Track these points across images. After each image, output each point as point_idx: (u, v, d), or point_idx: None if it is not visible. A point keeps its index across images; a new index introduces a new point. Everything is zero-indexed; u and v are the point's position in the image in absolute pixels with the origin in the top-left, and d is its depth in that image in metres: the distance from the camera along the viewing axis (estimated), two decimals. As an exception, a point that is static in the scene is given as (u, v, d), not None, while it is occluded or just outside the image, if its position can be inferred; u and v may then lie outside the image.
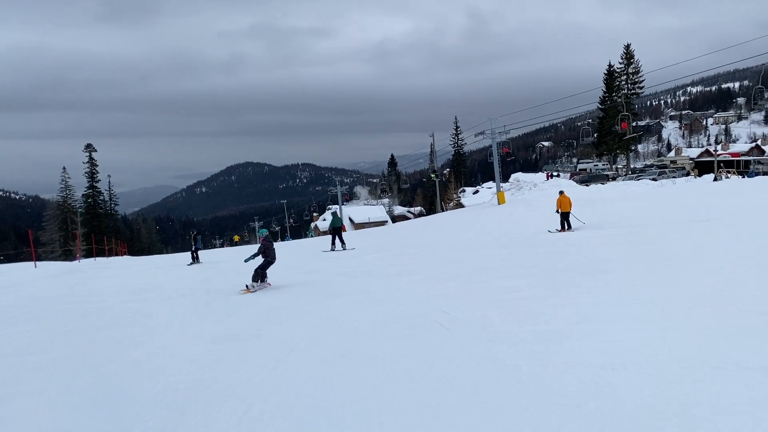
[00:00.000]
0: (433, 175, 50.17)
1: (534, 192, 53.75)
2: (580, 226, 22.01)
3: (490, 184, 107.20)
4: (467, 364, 5.99)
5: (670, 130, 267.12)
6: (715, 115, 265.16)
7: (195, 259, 26.59)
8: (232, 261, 26.07)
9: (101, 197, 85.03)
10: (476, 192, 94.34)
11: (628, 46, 68.74)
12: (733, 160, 50.24)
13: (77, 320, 11.16)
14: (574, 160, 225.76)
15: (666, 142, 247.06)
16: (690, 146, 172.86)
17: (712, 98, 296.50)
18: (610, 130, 67.65)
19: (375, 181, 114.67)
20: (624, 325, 6.92)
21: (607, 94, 69.28)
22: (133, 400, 5.79)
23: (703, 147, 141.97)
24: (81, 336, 9.46)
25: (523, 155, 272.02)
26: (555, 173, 75.81)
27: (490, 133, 46.54)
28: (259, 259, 13.71)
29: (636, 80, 68.08)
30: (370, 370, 6.10)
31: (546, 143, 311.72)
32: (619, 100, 66.51)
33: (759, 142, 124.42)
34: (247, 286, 13.39)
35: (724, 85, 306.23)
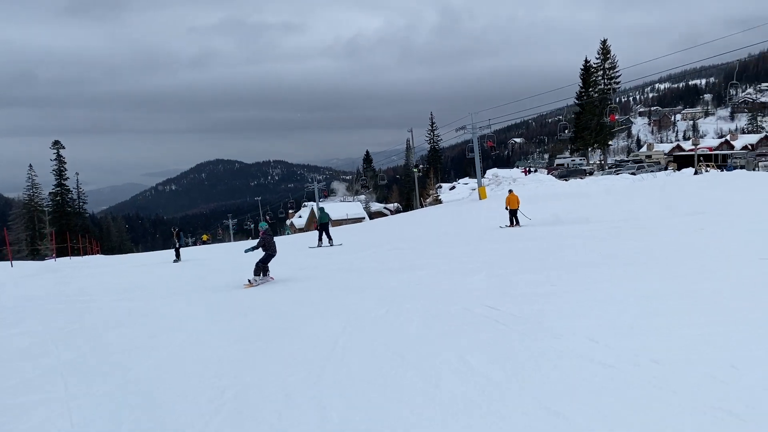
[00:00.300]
0: (415, 170, 49.71)
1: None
2: (556, 221, 22.82)
3: (467, 180, 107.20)
4: (561, 362, 5.47)
5: (639, 126, 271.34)
6: (683, 111, 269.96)
7: (178, 256, 25.94)
8: (218, 258, 25.36)
9: (69, 195, 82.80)
10: (452, 188, 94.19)
11: (604, 42, 69.22)
12: (711, 154, 50.86)
13: (75, 320, 10.45)
14: (546, 156, 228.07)
15: (636, 138, 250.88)
16: (661, 141, 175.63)
17: (680, 95, 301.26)
18: (587, 125, 68.24)
19: (348, 178, 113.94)
20: (691, 320, 6.53)
21: (583, 89, 69.75)
22: (182, 409, 5.15)
23: (672, 142, 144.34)
24: (86, 337, 8.76)
25: (494, 151, 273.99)
26: (533, 169, 76.11)
27: (471, 128, 46.40)
28: (260, 253, 13.56)
29: (612, 75, 68.47)
30: (441, 371, 5.55)
31: (518, 140, 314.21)
32: (596, 95, 67.09)
33: (728, 137, 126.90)
34: (249, 280, 13.14)
35: (691, 82, 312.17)
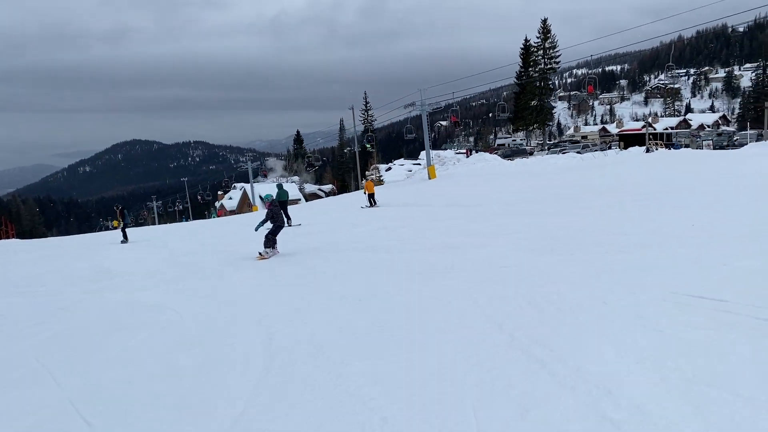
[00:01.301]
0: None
1: (460, 167, 52.74)
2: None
3: (402, 161, 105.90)
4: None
5: (559, 110, 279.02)
6: (600, 96, 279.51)
7: (125, 237, 23.44)
8: (170, 238, 22.62)
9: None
10: (389, 169, 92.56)
11: (545, 21, 69.05)
12: (657, 134, 51.50)
13: (52, 321, 7.95)
14: (471, 138, 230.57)
15: (556, 121, 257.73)
16: (586, 124, 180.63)
17: (598, 80, 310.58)
18: (527, 105, 68.00)
19: (273, 159, 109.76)
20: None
21: (523, 69, 69.45)
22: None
23: (596, 125, 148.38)
24: (86, 346, 6.36)
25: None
26: (475, 150, 75.53)
27: (421, 105, 44.68)
28: (268, 225, 13.45)
29: (552, 55, 68.59)
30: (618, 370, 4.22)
31: (444, 123, 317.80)
32: (536, 75, 66.89)
33: (650, 120, 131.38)
34: (260, 253, 13.13)
35: (608, 68, 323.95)
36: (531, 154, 58.58)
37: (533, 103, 67.21)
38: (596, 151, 48.14)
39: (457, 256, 10.44)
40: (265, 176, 78.30)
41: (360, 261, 11.30)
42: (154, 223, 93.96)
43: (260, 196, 17.74)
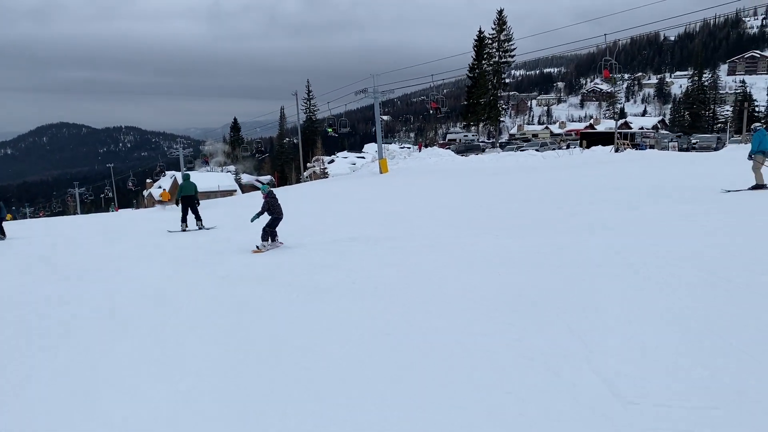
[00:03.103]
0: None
1: (411, 161, 49.41)
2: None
3: (345, 153, 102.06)
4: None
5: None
6: (538, 98, 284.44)
7: (2, 233, 18.85)
8: (58, 234, 18.16)
9: None
10: (332, 161, 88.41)
11: (501, 12, 66.11)
12: (622, 133, 49.35)
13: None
14: (412, 134, 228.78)
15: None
16: (528, 124, 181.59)
17: (536, 81, 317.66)
18: (479, 99, 65.22)
19: (211, 142, 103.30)
20: None
21: (476, 62, 66.52)
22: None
23: (540, 125, 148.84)
24: None
25: (362, 128, 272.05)
26: (425, 144, 72.31)
27: (373, 92, 40.97)
28: (266, 218, 12.76)
29: (507, 48, 65.82)
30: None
31: (385, 117, 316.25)
32: (489, 68, 64.24)
33: (592, 122, 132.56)
34: (258, 246, 12.41)
35: (546, 70, 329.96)
36: (483, 150, 55.90)
37: (484, 98, 64.50)
38: (556, 149, 45.78)
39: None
40: (207, 162, 72.29)
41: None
42: (76, 212, 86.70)
43: (257, 185, 14.16)
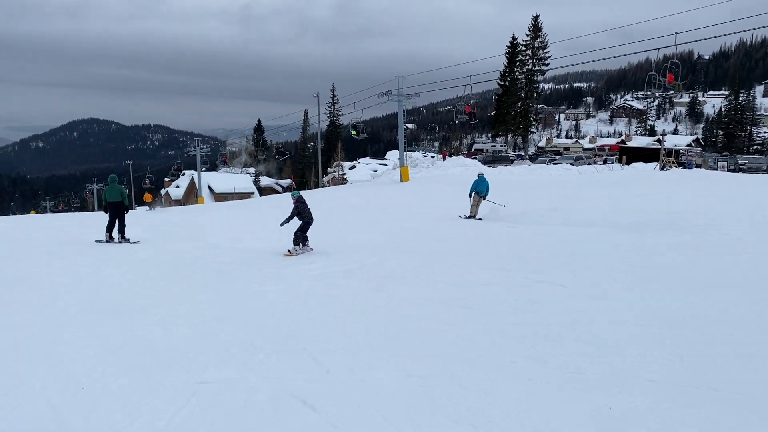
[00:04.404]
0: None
1: (435, 170, 46.62)
2: None
3: (368, 159, 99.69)
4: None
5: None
6: (566, 112, 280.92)
7: None
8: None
9: None
10: (353, 167, 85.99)
11: (536, 18, 62.71)
12: (670, 150, 45.57)
13: None
14: (436, 143, 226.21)
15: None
16: (558, 137, 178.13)
17: (564, 95, 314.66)
18: (509, 109, 62.24)
19: (236, 141, 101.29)
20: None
21: (508, 69, 63.36)
22: None
23: (569, 139, 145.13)
24: None
25: (386, 135, 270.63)
26: (450, 153, 69.32)
27: (397, 94, 38.30)
28: (296, 222, 12.91)
29: (542, 56, 62.43)
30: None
31: (410, 125, 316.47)
32: (522, 76, 61.29)
33: (623, 138, 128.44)
34: (289, 250, 12.73)
35: (575, 84, 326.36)
36: (511, 162, 52.94)
37: (515, 108, 61.20)
38: (591, 164, 42.72)
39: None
40: (225, 163, 70.00)
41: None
42: (93, 209, 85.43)
43: (290, 192, 12.65)
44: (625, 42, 32.13)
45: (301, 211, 12.92)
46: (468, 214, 18.78)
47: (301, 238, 12.87)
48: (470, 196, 18.99)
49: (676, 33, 26.36)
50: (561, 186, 26.38)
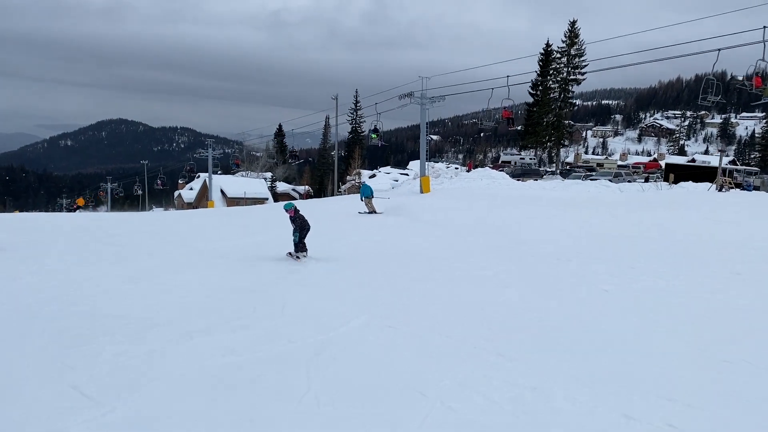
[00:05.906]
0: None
1: (458, 181, 42.98)
2: None
3: (388, 168, 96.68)
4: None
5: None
6: (594, 129, 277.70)
7: None
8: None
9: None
10: (372, 176, 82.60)
11: (573, 23, 58.39)
12: (725, 170, 40.93)
13: None
14: (460, 156, 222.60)
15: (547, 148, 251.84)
16: (586, 153, 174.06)
17: (592, 112, 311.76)
18: (540, 119, 58.31)
19: (259, 154, 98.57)
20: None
21: (540, 77, 59.27)
22: None
23: (597, 155, 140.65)
24: None
25: (410, 146, 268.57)
26: (475, 165, 65.54)
27: (420, 97, 34.72)
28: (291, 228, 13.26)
29: (578, 64, 57.99)
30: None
31: (435, 137, 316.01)
32: (556, 86, 57.35)
33: (656, 156, 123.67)
34: (289, 253, 13.21)
35: (603, 102, 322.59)
36: (542, 176, 49.07)
37: (547, 118, 56.97)
38: (632, 181, 38.74)
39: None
40: (238, 165, 66.88)
41: None
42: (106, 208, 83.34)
43: (284, 207, 11.59)
44: (656, 58, 28.56)
45: (302, 220, 13.43)
46: (367, 211, 23.46)
47: (300, 245, 13.32)
48: (362, 200, 23.89)
49: (718, 50, 23.41)
50: (606, 206, 22.48)
